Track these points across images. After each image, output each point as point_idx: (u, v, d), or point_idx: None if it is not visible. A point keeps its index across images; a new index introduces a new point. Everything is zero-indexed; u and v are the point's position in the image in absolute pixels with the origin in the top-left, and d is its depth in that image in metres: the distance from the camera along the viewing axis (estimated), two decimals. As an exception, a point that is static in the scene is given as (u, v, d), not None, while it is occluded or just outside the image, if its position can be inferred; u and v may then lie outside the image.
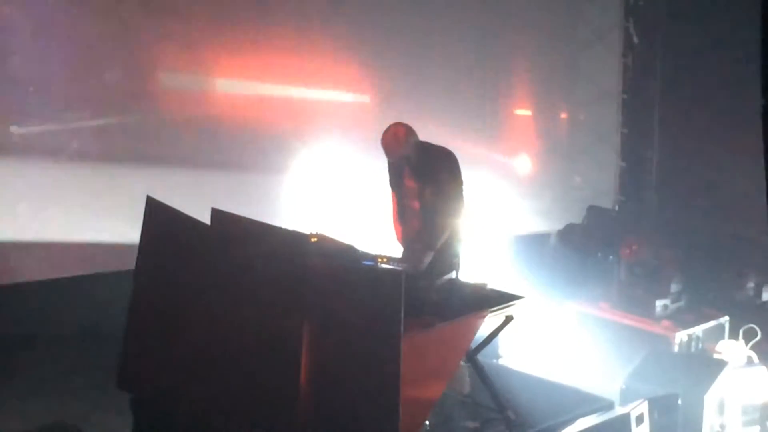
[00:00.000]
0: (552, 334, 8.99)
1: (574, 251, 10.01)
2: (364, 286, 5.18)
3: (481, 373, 6.13)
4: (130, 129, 9.65)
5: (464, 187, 6.17)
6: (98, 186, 9.14)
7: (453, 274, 6.20)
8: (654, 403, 6.54)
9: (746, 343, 8.13)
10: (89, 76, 9.39)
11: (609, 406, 6.60)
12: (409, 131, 6.07)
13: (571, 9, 11.97)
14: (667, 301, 8.94)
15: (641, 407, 6.39)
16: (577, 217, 10.42)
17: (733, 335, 8.50)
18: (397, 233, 6.37)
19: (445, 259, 6.14)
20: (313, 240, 5.64)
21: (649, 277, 9.13)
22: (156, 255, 5.94)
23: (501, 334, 6.26)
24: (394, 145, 6.04)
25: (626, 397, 7.09)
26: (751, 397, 7.37)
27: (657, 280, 9.05)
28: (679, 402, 6.76)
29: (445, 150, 6.21)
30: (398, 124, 6.10)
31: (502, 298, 6.08)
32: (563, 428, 6.04)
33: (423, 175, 6.11)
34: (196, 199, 6.58)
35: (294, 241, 5.38)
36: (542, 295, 8.45)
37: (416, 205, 6.19)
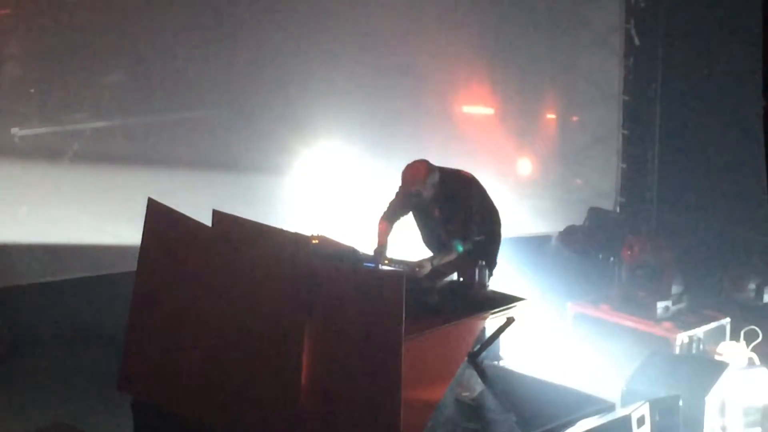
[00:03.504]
0: (553, 335, 8.98)
1: (575, 253, 10.00)
2: (366, 288, 5.18)
3: (482, 375, 6.13)
4: (130, 131, 9.66)
5: (492, 206, 6.34)
6: (99, 188, 9.16)
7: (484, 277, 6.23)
8: (655, 405, 6.53)
9: (747, 345, 8.12)
10: (89, 78, 9.40)
11: (610, 407, 6.58)
12: (430, 171, 6.18)
13: (572, 11, 11.98)
14: (668, 303, 8.92)
15: (642, 409, 6.38)
16: (578, 219, 10.41)
17: (735, 337, 8.50)
18: (379, 234, 6.39)
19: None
20: (314, 242, 5.65)
21: (650, 278, 9.12)
22: (157, 257, 5.93)
23: (502, 335, 6.26)
24: (411, 182, 6.19)
25: (627, 398, 7.08)
26: (753, 398, 7.36)
27: (658, 281, 9.03)
28: (681, 404, 6.75)
29: (464, 179, 6.33)
30: (421, 162, 6.22)
31: (504, 300, 6.09)
32: (564, 430, 6.03)
33: (449, 207, 6.22)
34: (197, 200, 6.59)
35: (295, 242, 5.38)
36: (543, 296, 8.46)
37: (444, 231, 6.30)
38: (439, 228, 6.33)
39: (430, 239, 6.47)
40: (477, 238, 6.29)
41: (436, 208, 6.26)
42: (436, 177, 6.16)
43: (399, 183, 6.37)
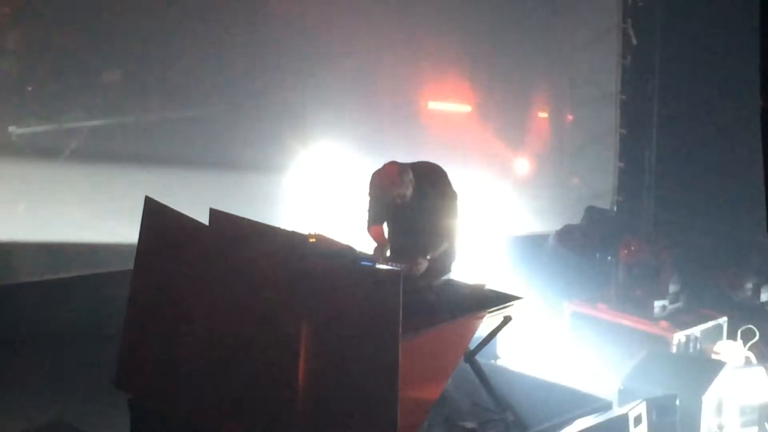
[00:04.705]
0: (550, 334, 8.99)
1: (573, 252, 10.00)
2: (363, 287, 5.19)
3: (479, 374, 6.13)
4: (128, 129, 9.66)
5: (457, 199, 6.25)
6: (97, 186, 9.17)
7: (450, 275, 6.23)
8: (652, 404, 6.54)
9: (744, 344, 8.14)
10: (87, 76, 9.40)
11: (607, 406, 6.59)
12: (403, 170, 6.09)
13: (569, 10, 11.98)
14: (665, 302, 8.93)
15: (639, 408, 6.39)
16: (575, 218, 10.41)
17: (732, 336, 8.51)
18: (375, 238, 6.38)
19: (442, 262, 6.19)
20: (311, 240, 5.64)
21: (648, 277, 9.12)
22: (154, 255, 5.94)
23: (499, 334, 6.26)
24: (389, 185, 6.10)
25: (624, 397, 7.09)
26: (749, 397, 7.37)
27: (655, 280, 9.04)
28: (677, 403, 6.76)
29: (434, 168, 6.27)
30: (391, 164, 6.14)
31: (501, 299, 6.09)
32: (561, 429, 6.03)
33: (417, 200, 6.14)
34: (194, 199, 6.59)
35: (292, 241, 5.39)
36: (540, 295, 8.46)
37: (413, 226, 6.23)
38: (418, 219, 6.25)
39: (404, 232, 6.40)
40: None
41: (415, 201, 6.18)
42: (410, 173, 6.11)
43: (373, 191, 6.28)
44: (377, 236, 6.35)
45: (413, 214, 6.20)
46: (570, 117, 12.40)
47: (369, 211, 6.40)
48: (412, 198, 6.13)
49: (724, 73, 9.28)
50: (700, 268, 9.40)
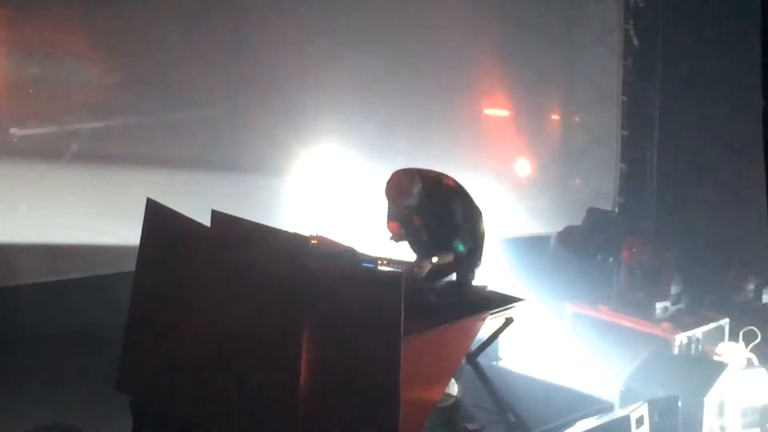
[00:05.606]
0: (552, 336, 8.99)
1: (574, 253, 10.01)
2: (365, 288, 5.18)
3: (481, 376, 6.14)
4: (130, 131, 9.66)
5: (477, 211, 6.20)
6: (98, 188, 9.17)
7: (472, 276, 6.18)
8: (654, 405, 6.54)
9: (746, 345, 8.14)
10: (89, 78, 9.40)
11: (609, 408, 6.59)
12: (413, 180, 5.96)
13: (571, 11, 11.99)
14: (667, 303, 8.94)
15: (641, 409, 6.39)
16: (576, 219, 10.42)
17: (733, 337, 8.51)
18: (393, 233, 6.33)
19: (452, 267, 6.17)
20: (313, 242, 5.65)
21: (649, 279, 9.14)
22: (156, 257, 5.94)
23: (501, 336, 6.27)
24: (397, 197, 5.99)
25: (626, 399, 7.09)
26: (751, 399, 7.38)
27: (657, 282, 9.05)
28: (679, 404, 6.76)
29: (449, 189, 6.15)
30: (400, 174, 6.03)
31: (502, 301, 6.09)
32: (563, 430, 6.03)
33: (425, 208, 6.06)
34: (196, 200, 6.59)
35: (294, 243, 5.38)
36: (542, 297, 8.46)
37: (426, 238, 6.18)
38: (421, 234, 6.22)
39: (412, 234, 6.34)
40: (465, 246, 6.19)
41: (416, 216, 6.11)
42: (419, 183, 5.98)
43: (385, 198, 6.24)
44: (395, 230, 6.25)
45: (421, 219, 6.16)
46: (572, 118, 12.40)
47: (387, 210, 6.32)
48: (420, 205, 6.05)
49: (725, 74, 9.28)
50: (701, 269, 9.41)
